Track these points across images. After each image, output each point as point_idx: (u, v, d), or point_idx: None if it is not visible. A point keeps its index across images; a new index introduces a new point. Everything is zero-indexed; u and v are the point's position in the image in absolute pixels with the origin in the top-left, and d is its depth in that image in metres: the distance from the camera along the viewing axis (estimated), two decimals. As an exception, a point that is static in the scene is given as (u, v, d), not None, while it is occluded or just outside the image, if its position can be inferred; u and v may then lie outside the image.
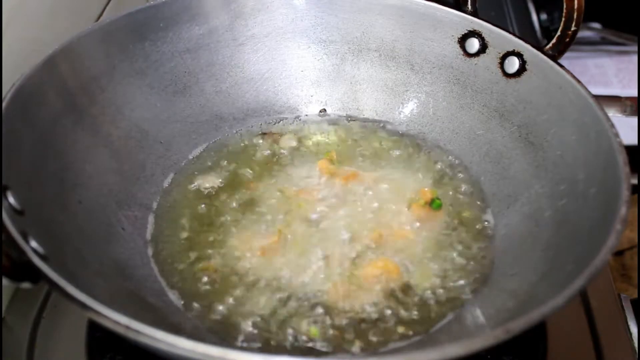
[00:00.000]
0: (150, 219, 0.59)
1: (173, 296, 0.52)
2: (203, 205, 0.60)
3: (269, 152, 0.67)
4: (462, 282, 0.54)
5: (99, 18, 0.72)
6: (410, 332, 0.50)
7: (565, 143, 0.56)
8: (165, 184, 0.62)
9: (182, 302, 0.52)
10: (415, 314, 0.51)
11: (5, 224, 0.40)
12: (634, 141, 0.88)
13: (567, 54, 0.60)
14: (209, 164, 0.65)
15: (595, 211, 0.48)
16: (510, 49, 0.61)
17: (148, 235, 0.57)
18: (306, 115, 0.72)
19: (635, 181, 0.99)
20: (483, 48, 0.64)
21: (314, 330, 0.50)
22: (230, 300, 0.52)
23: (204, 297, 0.52)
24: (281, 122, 0.71)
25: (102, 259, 0.51)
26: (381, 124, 0.71)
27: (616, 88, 1.20)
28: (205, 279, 0.53)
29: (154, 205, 0.60)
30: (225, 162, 0.65)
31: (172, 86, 0.66)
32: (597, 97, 0.54)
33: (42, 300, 0.56)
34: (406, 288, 0.53)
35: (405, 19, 0.67)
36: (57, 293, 0.38)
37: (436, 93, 0.68)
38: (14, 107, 0.48)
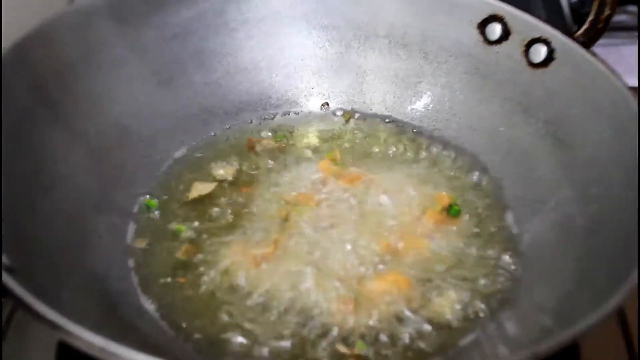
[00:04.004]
0: (131, 225, 0.58)
1: (155, 313, 0.52)
2: (191, 211, 0.60)
3: (265, 151, 0.66)
4: (483, 298, 0.53)
5: (74, -1, 0.72)
6: (426, 356, 0.49)
7: (598, 141, 0.55)
8: (148, 187, 0.62)
9: (166, 319, 0.51)
10: (431, 334, 0.51)
11: (-36, 231, 0.40)
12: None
13: (600, 41, 0.60)
14: (198, 164, 0.64)
15: (633, 218, 0.47)
16: (536, 36, 0.61)
17: (128, 244, 0.57)
18: (306, 109, 0.71)
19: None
20: (505, 34, 0.64)
21: (313, 351, 0.49)
22: (219, 317, 0.51)
23: (190, 313, 0.52)
24: (278, 117, 0.70)
25: (76, 271, 0.51)
26: (391, 120, 0.70)
27: (655, 79, 1.19)
28: (191, 293, 0.53)
29: (135, 210, 0.60)
30: (216, 162, 0.65)
31: (156, 77, 0.65)
32: (634, 90, 0.54)
33: (5, 319, 0.54)
34: (420, 306, 0.52)
35: (417, 1, 0.67)
36: (24, 311, 0.37)
37: (452, 85, 0.68)
38: (-23, 100, 0.48)
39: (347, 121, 0.71)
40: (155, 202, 0.61)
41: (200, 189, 0.62)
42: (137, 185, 0.61)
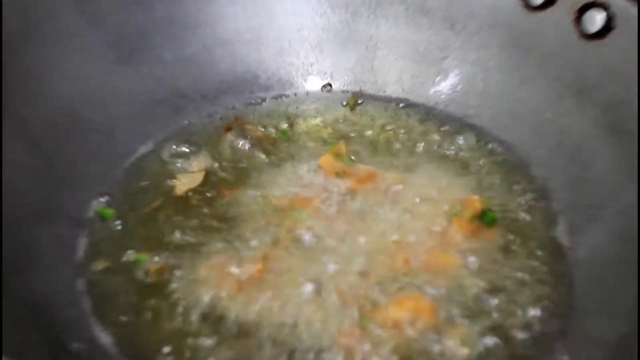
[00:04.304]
0: (83, 238, 0.58)
1: (113, 348, 0.51)
2: (159, 220, 0.60)
3: (251, 144, 0.67)
4: (525, 328, 0.52)
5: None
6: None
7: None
8: (105, 189, 0.62)
9: (125, 356, 0.51)
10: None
11: None
12: None
13: (672, 6, 0.58)
14: (168, 161, 0.65)
15: None
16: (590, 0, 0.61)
17: (79, 261, 0.57)
18: (304, 92, 0.72)
19: None
20: (552, -2, 0.63)
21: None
22: (192, 354, 0.50)
23: (156, 349, 0.51)
24: (269, 101, 0.71)
25: (14, 296, 0.49)
26: (409, 105, 0.71)
27: None
28: (158, 323, 0.52)
29: (88, 218, 0.60)
30: (191, 158, 0.65)
31: (115, 51, 0.65)
32: None
33: None
34: (447, 337, 0.51)
35: (441, -44, 0.68)
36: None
37: (486, 61, 0.68)
38: None
39: (352, 107, 0.71)
40: (111, 211, 0.60)
41: (185, 182, 0.62)
42: (90, 188, 0.61)
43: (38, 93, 0.60)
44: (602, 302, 0.53)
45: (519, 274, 0.56)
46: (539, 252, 0.58)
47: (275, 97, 0.71)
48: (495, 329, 0.52)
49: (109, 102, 0.65)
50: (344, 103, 0.71)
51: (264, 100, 0.71)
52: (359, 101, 0.71)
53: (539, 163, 0.64)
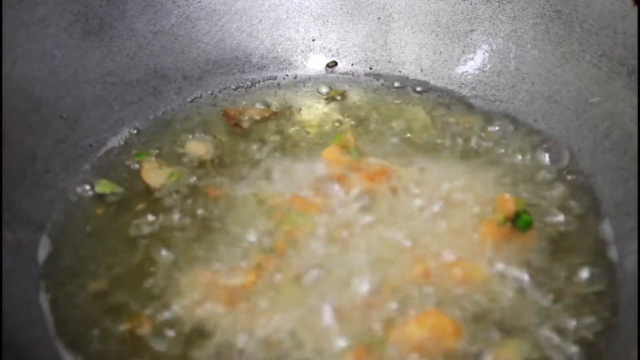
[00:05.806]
0: (44, 244, 0.58)
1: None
2: (133, 222, 0.60)
3: (242, 134, 0.67)
4: (563, 353, 0.52)
5: None
6: None
7: None
8: (70, 187, 0.62)
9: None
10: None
11: None
12: None
13: None
14: (144, 154, 0.65)
15: None
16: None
17: (40, 272, 0.57)
18: (304, 72, 0.72)
19: None
20: (600, -43, 0.63)
21: None
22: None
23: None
24: (262, 84, 0.71)
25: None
26: (429, 88, 0.70)
27: None
28: (135, 346, 0.53)
29: (50, 221, 0.60)
30: (171, 150, 0.65)
31: (80, 22, 0.65)
32: None
33: None
34: (472, 362, 0.51)
35: None
36: None
37: (521, 35, 0.68)
38: None
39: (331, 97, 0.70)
40: (109, 184, 0.62)
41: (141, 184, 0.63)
42: (52, 186, 0.61)
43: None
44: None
45: (557, 288, 0.56)
46: (580, 262, 0.58)
47: (271, 79, 0.71)
48: (527, 350, 0.52)
49: (74, 84, 0.65)
50: (350, 76, 0.71)
51: (256, 82, 0.71)
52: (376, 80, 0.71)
53: (582, 156, 0.64)
